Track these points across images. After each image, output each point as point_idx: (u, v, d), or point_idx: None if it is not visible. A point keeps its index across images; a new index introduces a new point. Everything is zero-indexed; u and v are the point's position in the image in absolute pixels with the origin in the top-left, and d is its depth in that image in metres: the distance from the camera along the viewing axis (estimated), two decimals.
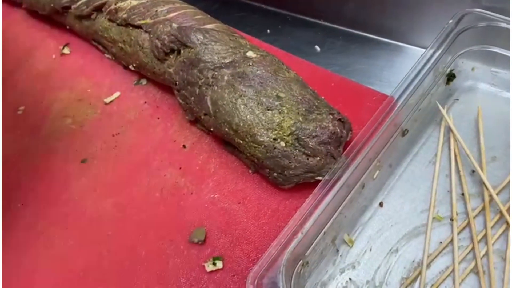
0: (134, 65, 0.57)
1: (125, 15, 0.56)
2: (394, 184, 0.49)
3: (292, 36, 0.70)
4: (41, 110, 0.59)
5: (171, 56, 0.52)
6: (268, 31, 0.71)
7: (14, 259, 0.46)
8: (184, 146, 0.53)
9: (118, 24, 0.57)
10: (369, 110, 0.50)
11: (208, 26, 0.52)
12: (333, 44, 0.68)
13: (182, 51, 0.51)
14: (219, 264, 0.42)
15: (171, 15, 0.53)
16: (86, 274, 0.44)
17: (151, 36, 0.53)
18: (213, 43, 0.49)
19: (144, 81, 0.61)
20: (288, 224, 0.39)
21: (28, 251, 0.47)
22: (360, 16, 0.68)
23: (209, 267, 0.42)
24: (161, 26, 0.52)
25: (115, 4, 0.57)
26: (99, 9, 0.59)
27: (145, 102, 0.58)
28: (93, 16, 0.60)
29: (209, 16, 0.55)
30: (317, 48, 0.67)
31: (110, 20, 0.58)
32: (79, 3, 0.61)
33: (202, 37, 0.50)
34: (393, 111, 0.46)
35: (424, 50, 0.64)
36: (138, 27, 0.55)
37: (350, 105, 0.50)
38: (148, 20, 0.54)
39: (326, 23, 0.71)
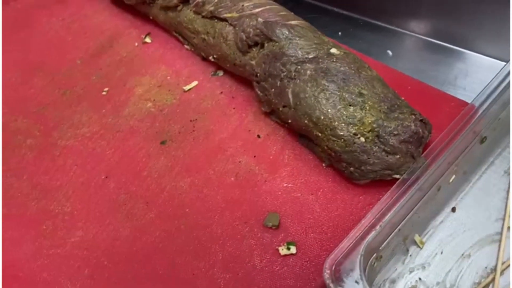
0: (215, 56, 0.60)
1: (211, 8, 0.59)
2: (468, 191, 0.49)
3: (364, 40, 0.71)
4: (124, 93, 0.63)
5: (254, 49, 0.55)
6: (340, 33, 0.73)
7: (97, 226, 0.50)
8: (258, 136, 0.55)
9: (203, 17, 0.60)
10: (447, 115, 0.51)
11: (293, 22, 0.54)
12: (406, 49, 0.68)
13: (266, 45, 0.53)
14: (293, 249, 0.44)
15: (257, 10, 0.55)
16: (165, 245, 0.47)
17: (236, 29, 0.55)
18: (297, 38, 0.51)
19: (220, 73, 0.63)
20: (366, 216, 0.40)
21: (110, 221, 0.50)
22: (434, 23, 0.68)
23: (283, 251, 0.44)
24: (247, 19, 0.55)
25: None
26: (186, 1, 0.63)
27: (221, 92, 0.61)
28: (179, 8, 0.64)
29: (292, 13, 0.57)
30: (389, 52, 0.68)
31: (195, 12, 0.61)
32: None
33: (287, 32, 0.52)
34: (474, 118, 0.47)
35: (499, 61, 0.64)
36: (224, 20, 0.58)
37: (428, 108, 0.50)
38: (234, 14, 0.56)
39: (398, 29, 0.71)
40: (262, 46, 0.54)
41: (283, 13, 0.55)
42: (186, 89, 0.62)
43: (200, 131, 0.57)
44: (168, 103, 0.61)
